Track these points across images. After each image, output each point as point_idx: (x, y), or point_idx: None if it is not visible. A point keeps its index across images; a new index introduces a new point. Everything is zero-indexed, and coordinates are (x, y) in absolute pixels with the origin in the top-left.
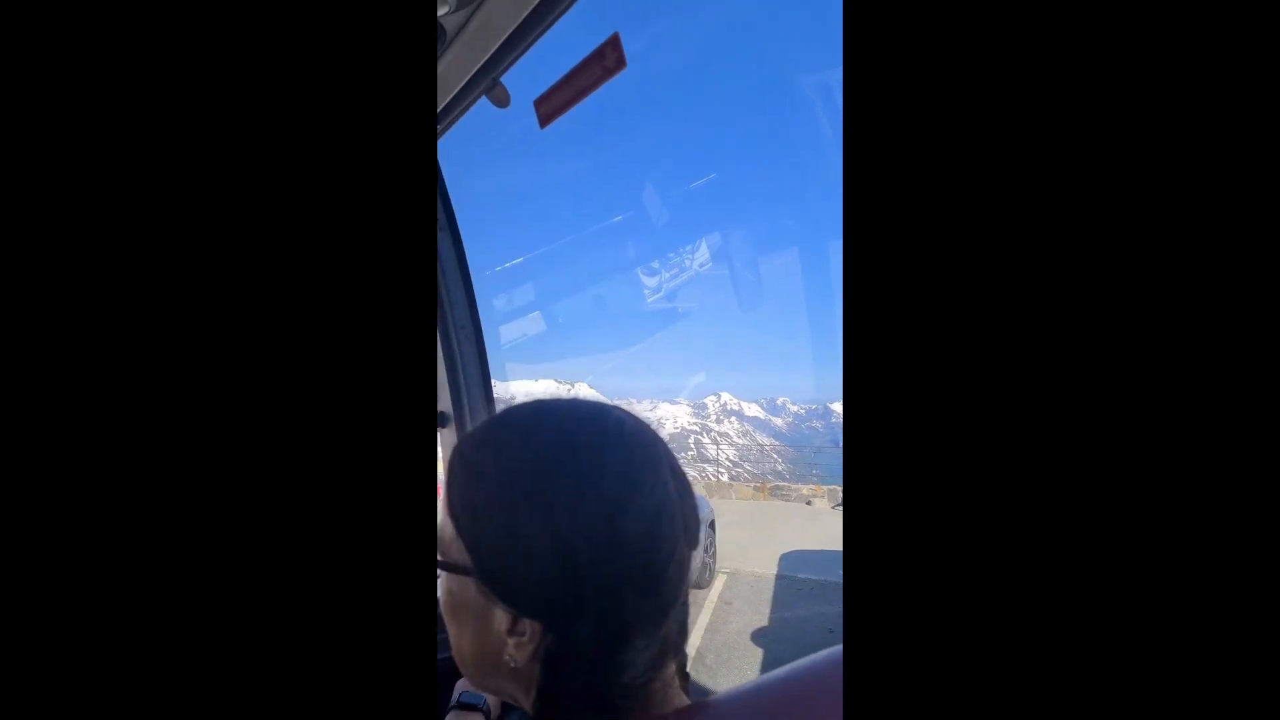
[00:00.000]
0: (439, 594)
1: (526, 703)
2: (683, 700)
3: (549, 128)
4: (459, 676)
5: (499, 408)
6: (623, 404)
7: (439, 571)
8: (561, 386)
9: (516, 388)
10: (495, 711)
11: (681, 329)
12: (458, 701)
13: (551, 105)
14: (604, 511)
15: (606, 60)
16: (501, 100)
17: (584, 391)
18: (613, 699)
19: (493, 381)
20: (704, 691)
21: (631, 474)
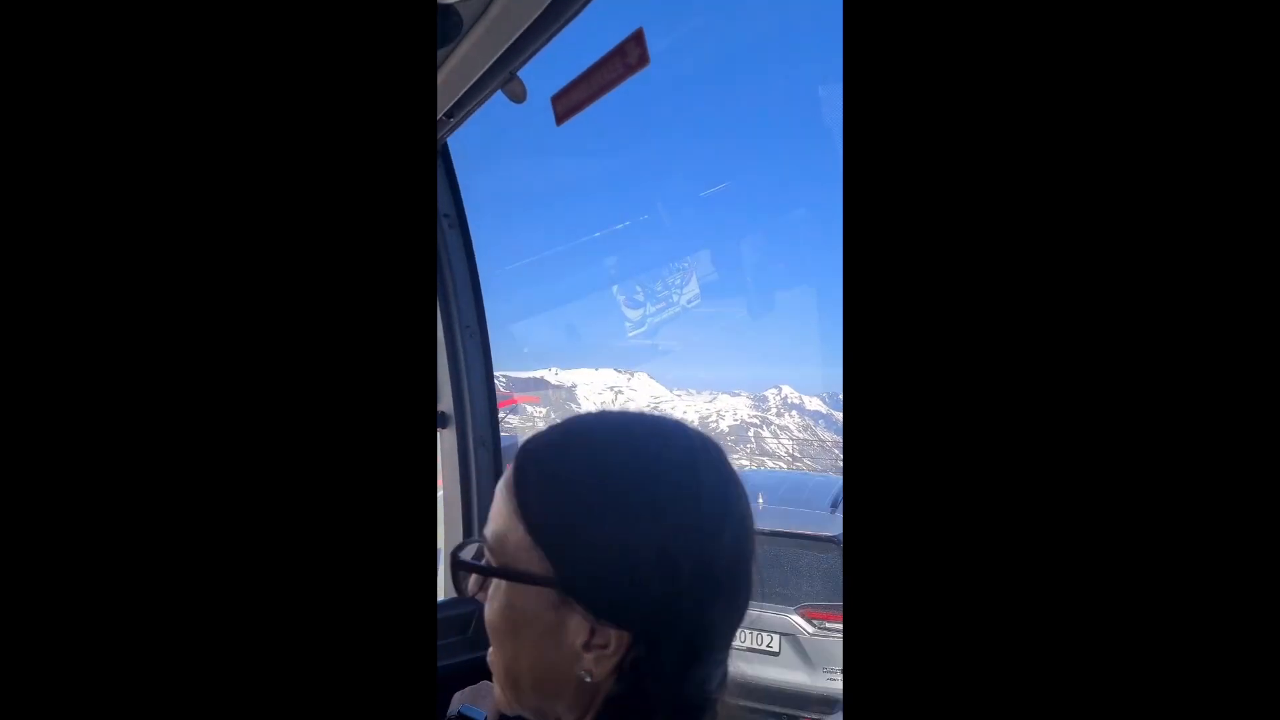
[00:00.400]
0: (487, 610)
1: None
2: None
3: (563, 125)
4: (455, 688)
5: (558, 395)
6: (681, 394)
7: (498, 583)
8: (621, 375)
9: (577, 376)
10: None
11: (737, 322)
12: (458, 714)
13: (569, 102)
14: (702, 524)
15: (629, 56)
16: (518, 95)
17: (643, 380)
18: (692, 712)
19: (553, 369)
20: None
21: (723, 488)
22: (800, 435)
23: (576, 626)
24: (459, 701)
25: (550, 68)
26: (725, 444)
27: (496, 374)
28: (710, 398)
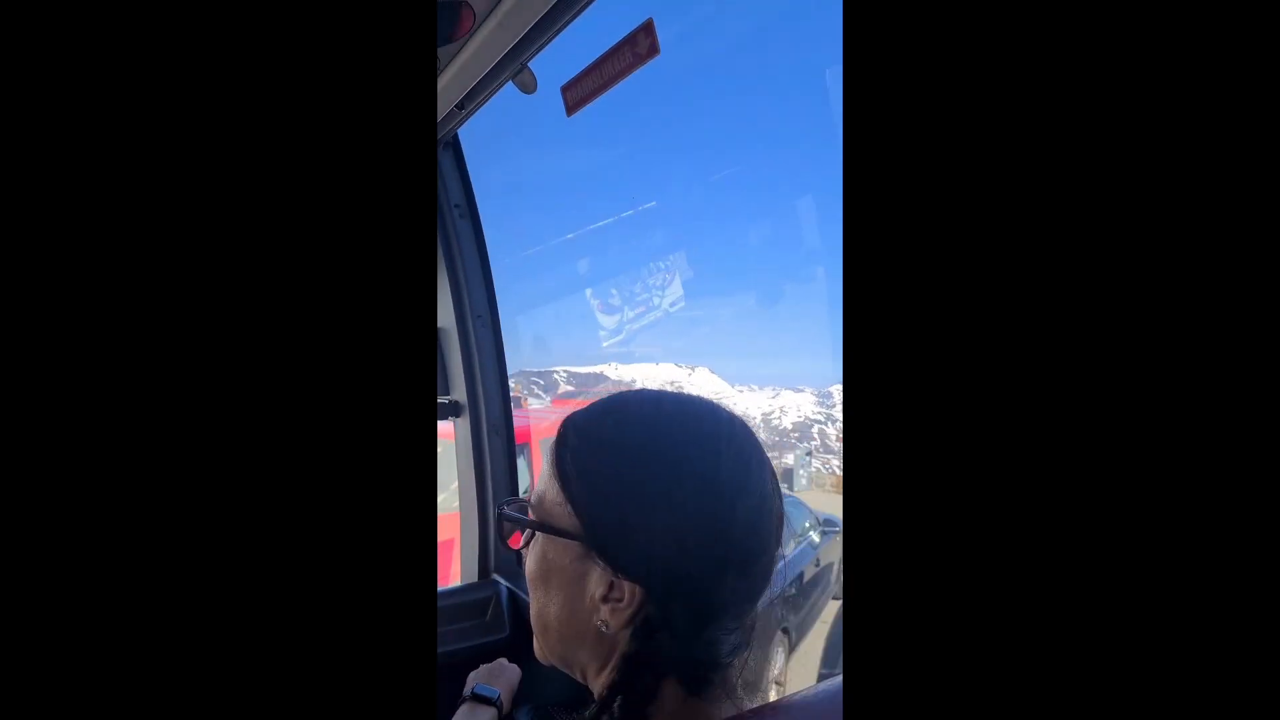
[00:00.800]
0: (527, 561)
1: (597, 675)
2: (744, 696)
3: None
4: (472, 669)
5: (618, 390)
6: (743, 389)
7: (536, 535)
8: (682, 370)
9: (637, 371)
10: (507, 707)
11: (800, 310)
12: (472, 694)
13: (579, 92)
14: (719, 498)
15: (638, 46)
16: (528, 85)
17: (704, 376)
18: (701, 671)
19: (612, 364)
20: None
21: (743, 468)
22: None
23: (597, 579)
24: (474, 680)
25: (561, 58)
26: (789, 440)
27: (558, 369)
28: (773, 393)
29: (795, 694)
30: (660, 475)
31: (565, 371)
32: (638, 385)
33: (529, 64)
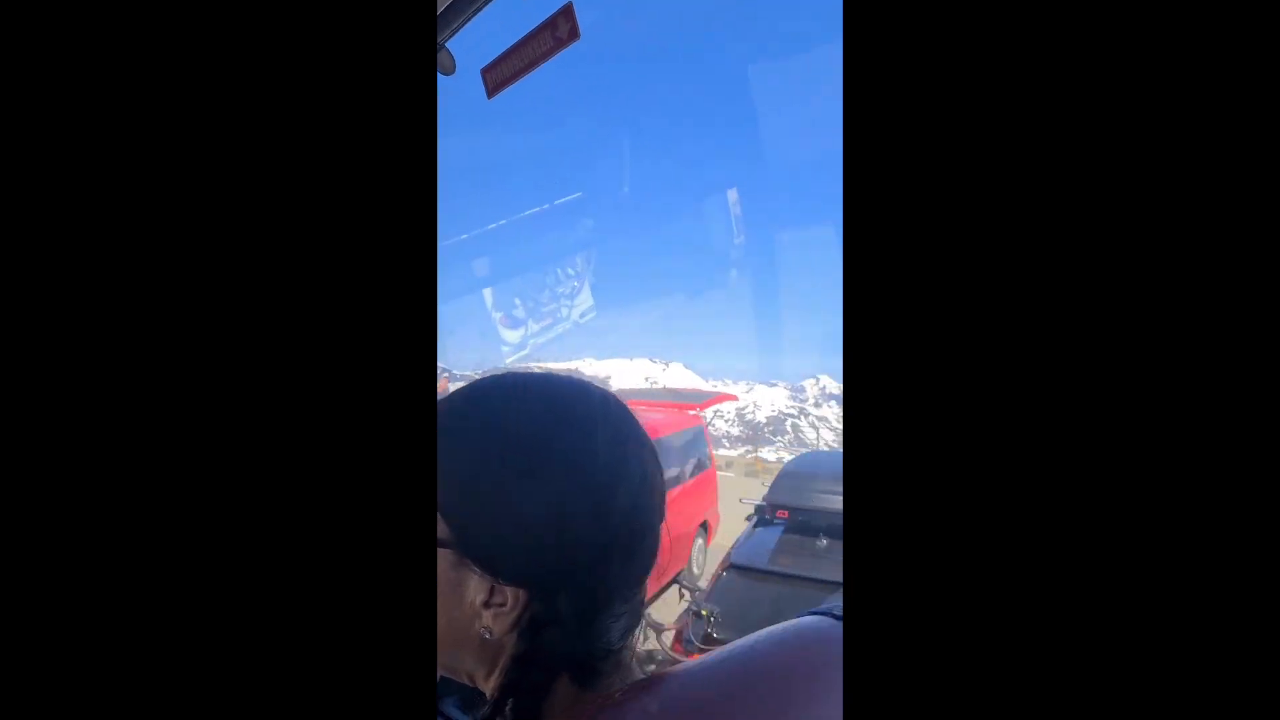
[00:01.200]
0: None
1: (486, 679)
2: (638, 671)
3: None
4: None
5: (595, 386)
6: (716, 384)
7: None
8: (656, 365)
9: (612, 366)
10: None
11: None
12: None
13: (500, 75)
14: (597, 481)
15: (559, 30)
16: (446, 67)
17: (678, 371)
18: (592, 663)
19: (587, 359)
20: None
21: (620, 446)
22: (839, 426)
23: (476, 585)
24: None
25: (484, 39)
26: (763, 435)
27: (534, 366)
28: (747, 388)
29: (677, 666)
30: (532, 466)
31: (541, 369)
32: (613, 380)
33: (446, 44)
